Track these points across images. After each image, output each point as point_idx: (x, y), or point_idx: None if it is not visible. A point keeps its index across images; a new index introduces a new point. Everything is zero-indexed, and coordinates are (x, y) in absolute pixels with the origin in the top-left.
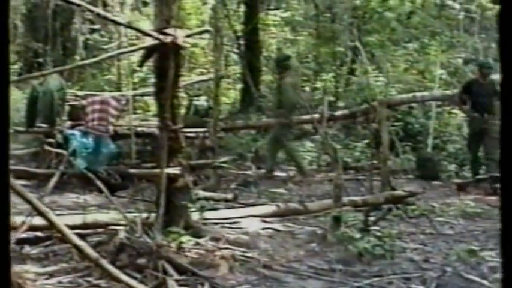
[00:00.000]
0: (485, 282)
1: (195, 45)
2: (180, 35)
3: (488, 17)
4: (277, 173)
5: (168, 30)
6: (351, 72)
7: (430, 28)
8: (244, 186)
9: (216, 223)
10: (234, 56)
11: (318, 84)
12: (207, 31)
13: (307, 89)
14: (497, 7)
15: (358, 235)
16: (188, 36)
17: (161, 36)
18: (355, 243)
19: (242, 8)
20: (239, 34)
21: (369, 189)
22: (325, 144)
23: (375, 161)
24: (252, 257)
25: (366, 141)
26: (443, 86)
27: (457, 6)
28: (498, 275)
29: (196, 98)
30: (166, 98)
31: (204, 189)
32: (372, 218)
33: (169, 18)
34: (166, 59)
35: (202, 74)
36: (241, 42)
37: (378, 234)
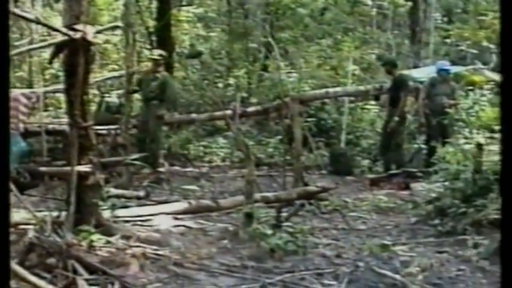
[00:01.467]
0: (397, 276)
1: (107, 41)
2: (89, 31)
3: (400, 13)
4: (190, 169)
5: (77, 26)
6: (264, 68)
7: (343, 24)
8: (157, 184)
9: (128, 221)
10: (147, 52)
11: (231, 81)
12: (117, 27)
13: (220, 85)
14: (409, 3)
15: (270, 231)
16: (98, 32)
17: (70, 32)
18: (267, 240)
19: (154, 4)
20: (151, 30)
21: (282, 185)
22: (237, 140)
23: (288, 157)
24: (163, 255)
25: (279, 137)
26: (356, 81)
27: (369, 2)
28: (410, 269)
29: (108, 94)
30: (76, 94)
31: (116, 187)
32: (284, 214)
33: (79, 14)
34: (76, 55)
35: (114, 70)
36: (154, 38)
37: (290, 230)
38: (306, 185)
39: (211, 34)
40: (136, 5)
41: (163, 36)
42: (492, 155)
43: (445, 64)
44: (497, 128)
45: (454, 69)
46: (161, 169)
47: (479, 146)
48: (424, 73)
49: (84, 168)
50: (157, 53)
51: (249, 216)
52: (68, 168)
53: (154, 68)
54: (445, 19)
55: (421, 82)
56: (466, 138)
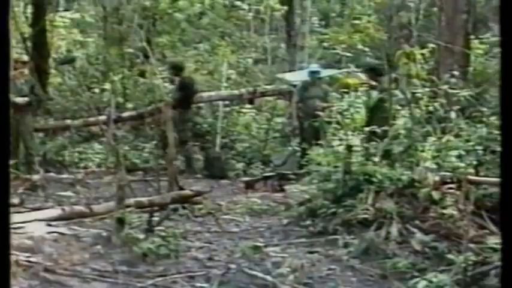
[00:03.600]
0: (268, 277)
1: None
2: None
3: (277, 17)
4: (66, 176)
5: None
6: (142, 73)
7: (220, 29)
8: (32, 190)
9: None
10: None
11: (107, 86)
12: None
13: (96, 90)
14: (285, 7)
15: (142, 236)
16: None
17: None
18: (140, 244)
19: (30, 9)
20: (26, 36)
21: (157, 189)
22: (112, 146)
23: (162, 162)
24: (35, 262)
25: (155, 142)
26: (232, 85)
27: (245, 7)
28: (281, 270)
29: None
30: None
31: None
32: (157, 218)
33: None
34: None
35: None
36: (29, 44)
37: (163, 234)
38: (181, 189)
39: (88, 39)
40: (11, 11)
41: (38, 42)
42: (361, 156)
43: (315, 67)
44: (368, 129)
45: (326, 72)
46: (36, 176)
47: (348, 147)
48: (297, 77)
49: None
50: (21, 58)
51: (121, 221)
52: None
53: (20, 73)
54: (323, 23)
55: (294, 85)
56: (340, 140)
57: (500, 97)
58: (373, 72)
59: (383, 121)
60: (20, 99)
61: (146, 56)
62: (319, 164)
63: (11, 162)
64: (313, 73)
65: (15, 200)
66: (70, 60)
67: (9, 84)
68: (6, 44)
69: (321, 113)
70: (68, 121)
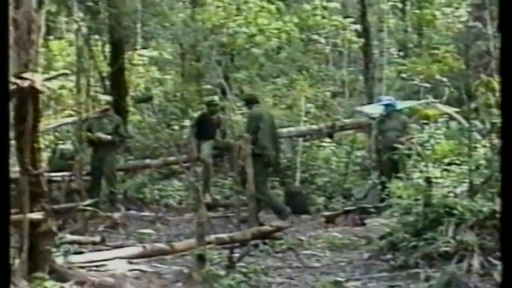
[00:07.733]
0: None
1: (62, 87)
2: (37, 79)
3: (354, 50)
4: (146, 213)
5: (25, 75)
6: (221, 109)
7: (298, 63)
8: (113, 228)
9: (83, 267)
10: (105, 97)
11: (186, 123)
12: (66, 74)
13: (176, 127)
14: (362, 40)
15: (223, 272)
16: (46, 79)
17: (18, 81)
18: (221, 281)
19: (108, 48)
20: (104, 75)
21: (237, 225)
22: (191, 183)
23: (242, 198)
24: None
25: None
26: (311, 119)
27: (323, 40)
28: None
29: (62, 141)
30: (26, 142)
31: (72, 233)
32: (238, 255)
33: (28, 63)
34: (24, 103)
35: (71, 116)
36: (107, 82)
37: (244, 270)
38: (261, 224)
39: (166, 77)
40: (89, 50)
41: (117, 81)
42: (442, 188)
43: (389, 99)
44: (449, 160)
45: (404, 103)
46: (117, 214)
47: (428, 179)
48: (375, 109)
49: (36, 215)
50: (104, 98)
51: (201, 258)
52: (19, 215)
53: (104, 113)
54: (401, 53)
55: (373, 118)
56: (421, 172)
57: (501, 99)
58: None
59: None
60: (103, 136)
61: (224, 92)
62: (399, 197)
63: (93, 200)
64: (387, 106)
65: (96, 238)
66: (147, 99)
67: (9, 83)
68: (6, 43)
69: (399, 146)
70: (148, 161)
